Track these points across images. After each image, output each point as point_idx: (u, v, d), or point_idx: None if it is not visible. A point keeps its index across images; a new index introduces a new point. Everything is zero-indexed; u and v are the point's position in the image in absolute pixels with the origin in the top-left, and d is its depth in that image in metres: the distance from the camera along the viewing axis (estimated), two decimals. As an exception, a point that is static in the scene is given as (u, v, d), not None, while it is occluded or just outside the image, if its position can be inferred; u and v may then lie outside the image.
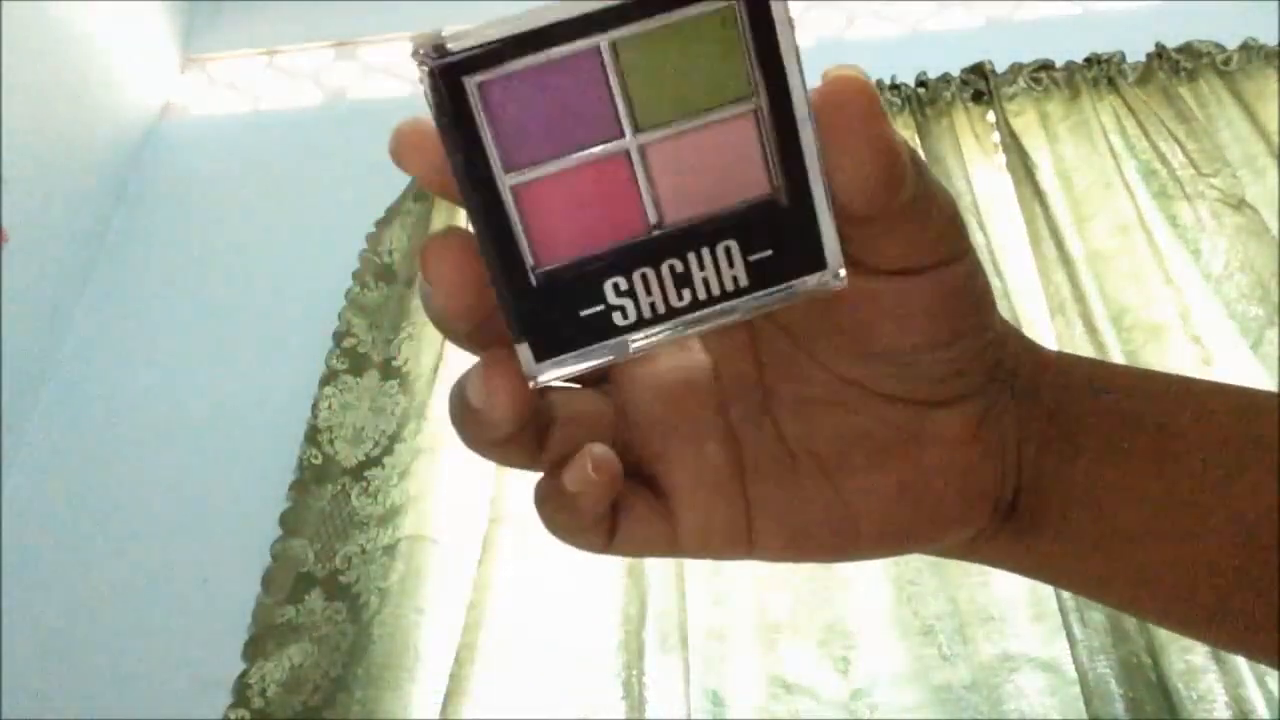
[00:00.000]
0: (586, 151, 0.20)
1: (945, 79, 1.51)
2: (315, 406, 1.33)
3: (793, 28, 0.19)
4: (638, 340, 0.21)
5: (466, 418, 0.22)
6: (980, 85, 1.50)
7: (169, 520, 1.33)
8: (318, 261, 1.51)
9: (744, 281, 0.21)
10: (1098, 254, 1.30)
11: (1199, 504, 0.25)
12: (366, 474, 1.26)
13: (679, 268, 0.21)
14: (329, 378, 1.36)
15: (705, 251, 0.21)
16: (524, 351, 0.21)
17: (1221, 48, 1.48)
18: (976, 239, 1.31)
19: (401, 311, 1.41)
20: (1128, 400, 0.26)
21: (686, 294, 0.21)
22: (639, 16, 0.19)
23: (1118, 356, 1.19)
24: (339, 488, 1.25)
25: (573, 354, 0.21)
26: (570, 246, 0.20)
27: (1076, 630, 1.00)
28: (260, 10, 1.91)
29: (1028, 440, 0.26)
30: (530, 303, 0.20)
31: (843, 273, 0.21)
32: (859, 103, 0.20)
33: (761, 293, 0.21)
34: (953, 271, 0.23)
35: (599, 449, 0.23)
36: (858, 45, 1.71)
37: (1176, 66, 1.47)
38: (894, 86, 1.51)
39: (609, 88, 0.19)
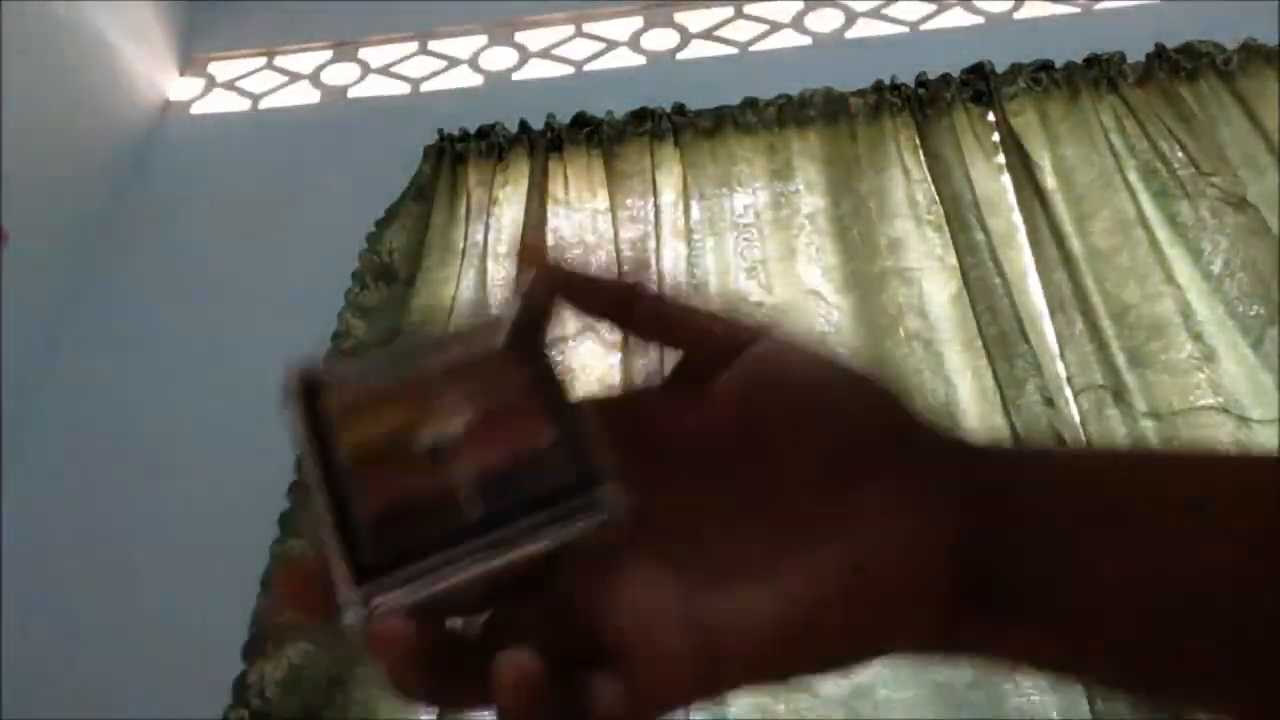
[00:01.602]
0: (405, 434, 0.26)
1: (945, 79, 1.51)
2: (315, 406, 1.33)
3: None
4: (441, 582, 0.24)
5: (391, 686, 0.23)
6: (980, 85, 1.50)
7: (169, 521, 1.33)
8: (318, 261, 1.51)
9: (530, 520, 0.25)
10: (1098, 252, 1.30)
11: (1154, 580, 0.24)
12: (366, 474, 1.25)
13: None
14: (329, 378, 1.36)
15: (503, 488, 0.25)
16: (350, 597, 0.24)
17: (1221, 48, 1.48)
18: (976, 238, 1.31)
19: (401, 311, 1.41)
20: (1063, 475, 0.26)
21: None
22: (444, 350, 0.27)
23: (1119, 354, 1.19)
24: (339, 487, 1.25)
25: (397, 586, 0.24)
26: (390, 502, 0.25)
27: None
28: (260, 10, 1.91)
29: (967, 509, 0.24)
30: (352, 538, 0.24)
31: (618, 502, 0.25)
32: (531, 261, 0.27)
33: (543, 531, 0.25)
34: (751, 355, 0.25)
35: (503, 664, 0.23)
36: (858, 45, 1.71)
37: (1176, 66, 1.47)
38: (894, 87, 1.51)
39: (425, 402, 0.26)
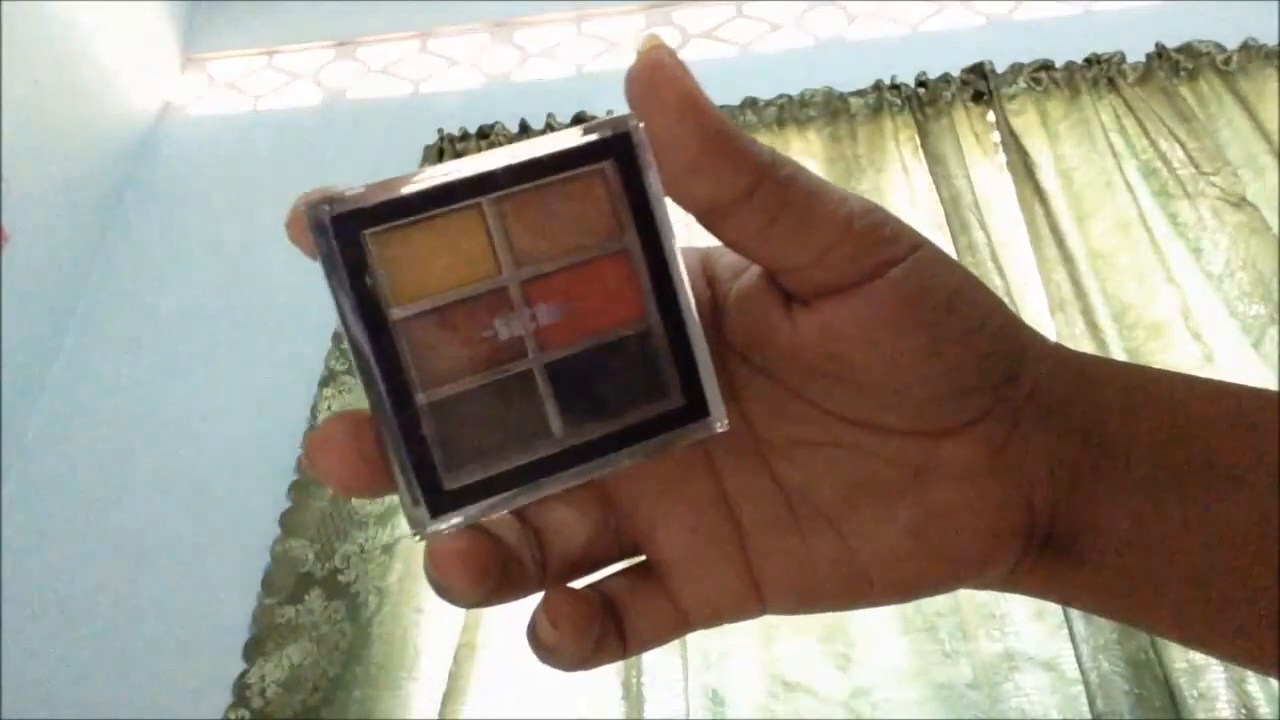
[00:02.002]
0: (469, 288, 0.21)
1: (945, 79, 1.51)
2: (314, 407, 1.33)
3: (658, 179, 0.21)
4: (521, 497, 0.22)
5: (440, 592, 0.22)
6: (980, 85, 1.50)
7: (169, 521, 1.33)
8: (317, 261, 1.51)
9: (620, 426, 0.22)
10: (1098, 252, 1.30)
11: (1253, 538, 0.22)
12: (366, 472, 1.25)
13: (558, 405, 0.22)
14: (328, 378, 1.36)
15: (583, 388, 0.22)
16: (417, 511, 0.21)
17: (1221, 48, 1.48)
18: (977, 238, 1.31)
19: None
20: (1167, 419, 0.23)
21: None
22: (520, 181, 0.21)
23: (1119, 354, 1.19)
24: (338, 487, 1.25)
25: (465, 505, 0.21)
26: (455, 375, 0.21)
27: (1080, 628, 1.00)
28: (260, 10, 1.91)
29: (1058, 466, 0.23)
30: (417, 438, 0.21)
31: (724, 417, 0.22)
32: (657, 68, 0.20)
33: (638, 446, 0.22)
34: (895, 278, 0.21)
35: (554, 598, 0.23)
36: (858, 45, 1.71)
37: (1176, 66, 1.47)
38: (894, 86, 1.51)
39: (490, 235, 0.21)
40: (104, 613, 1.27)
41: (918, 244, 0.21)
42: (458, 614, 1.11)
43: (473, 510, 0.21)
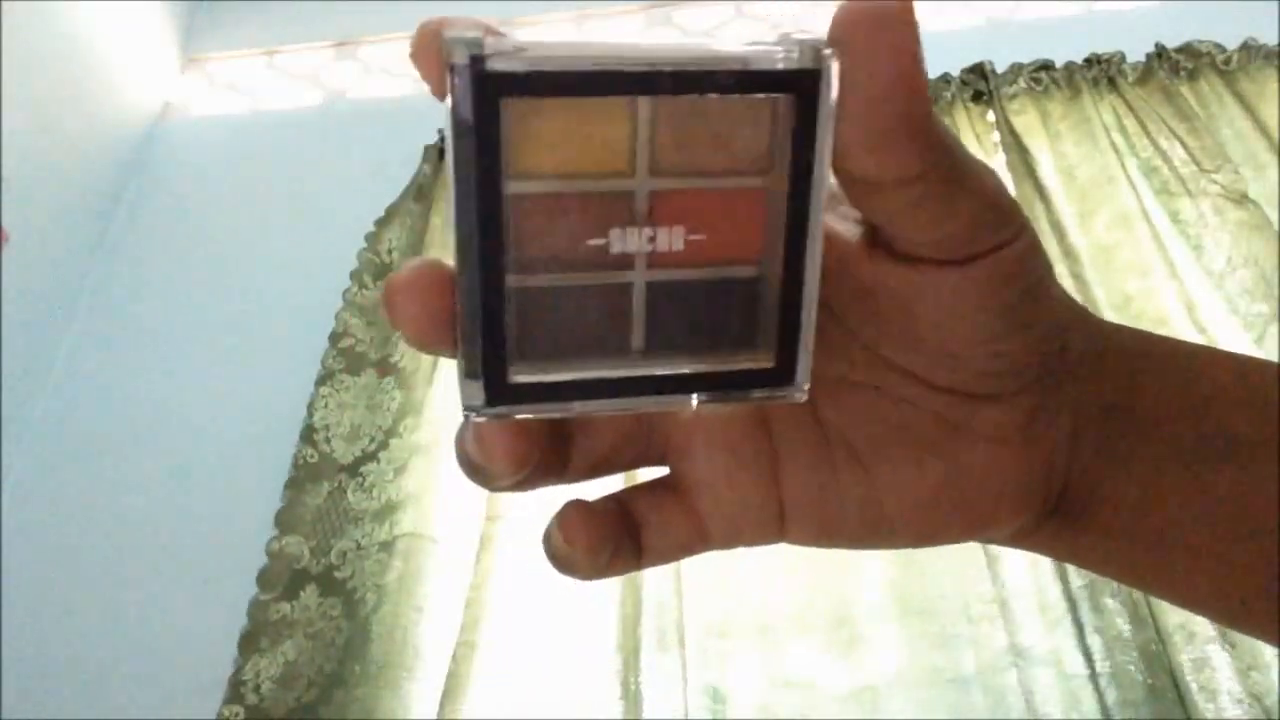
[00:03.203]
0: (595, 183, 0.19)
1: (945, 79, 1.51)
2: (311, 406, 1.33)
3: (833, 123, 0.19)
4: (580, 408, 0.20)
5: (472, 472, 0.22)
6: (980, 85, 1.50)
7: (166, 519, 1.33)
8: (317, 261, 1.51)
9: (701, 369, 0.21)
10: (1099, 250, 1.30)
11: (1257, 509, 0.23)
12: (362, 469, 1.25)
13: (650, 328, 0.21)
14: (325, 378, 1.36)
15: (678, 319, 0.21)
16: (474, 388, 0.20)
17: (1221, 48, 1.47)
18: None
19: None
20: (1182, 392, 0.24)
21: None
22: (685, 88, 0.19)
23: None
24: (335, 484, 1.25)
25: (528, 400, 0.20)
26: (551, 268, 0.20)
27: (1089, 619, 1.00)
28: (260, 10, 1.91)
29: (1081, 434, 0.24)
30: (497, 319, 0.19)
31: (807, 388, 0.21)
32: (886, 11, 0.18)
33: (711, 394, 0.21)
34: (1001, 258, 0.20)
35: (569, 512, 0.23)
36: (858, 45, 1.71)
37: (1176, 66, 1.47)
38: (894, 86, 1.51)
39: (633, 135, 0.19)
40: (100, 609, 1.27)
41: (1024, 225, 0.21)
42: (457, 613, 1.11)
43: (529, 409, 0.20)
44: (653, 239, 0.20)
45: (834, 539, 0.24)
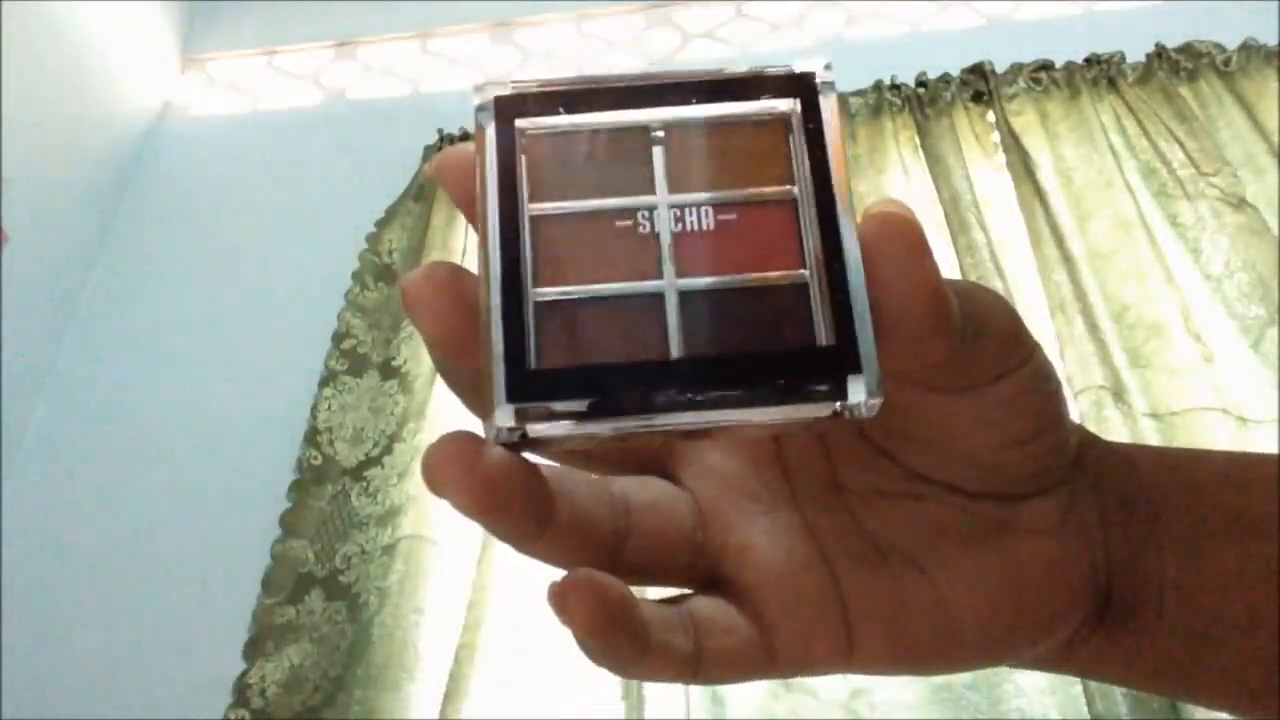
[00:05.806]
0: (616, 200, 0.20)
1: (945, 79, 1.51)
2: (314, 408, 1.33)
3: (841, 129, 0.20)
4: (626, 423, 0.19)
5: (434, 488, 0.20)
6: (980, 85, 1.50)
7: (169, 521, 1.33)
8: (317, 262, 1.51)
9: (753, 383, 0.19)
10: (1098, 252, 1.30)
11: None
12: (366, 474, 1.26)
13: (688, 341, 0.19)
14: (328, 379, 1.36)
15: (716, 325, 0.19)
16: (502, 402, 0.18)
17: (1221, 48, 1.47)
18: (976, 238, 1.31)
19: (401, 312, 1.41)
20: (1199, 477, 0.26)
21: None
22: (696, 102, 0.20)
23: (1119, 354, 1.19)
24: (339, 488, 1.25)
25: (553, 414, 0.19)
26: (579, 281, 0.19)
27: None
28: (260, 10, 1.91)
29: (1109, 524, 0.24)
30: (521, 336, 0.19)
31: (877, 401, 0.19)
32: (906, 239, 0.19)
33: (776, 408, 0.19)
34: (1022, 375, 0.22)
35: (568, 578, 0.20)
36: (858, 45, 1.71)
37: (1176, 66, 1.47)
38: (894, 86, 1.51)
39: (650, 153, 0.20)
40: (104, 612, 1.27)
41: (1034, 342, 0.22)
42: (458, 615, 1.11)
43: (560, 429, 0.19)
44: (675, 243, 0.20)
45: (903, 656, 0.23)
